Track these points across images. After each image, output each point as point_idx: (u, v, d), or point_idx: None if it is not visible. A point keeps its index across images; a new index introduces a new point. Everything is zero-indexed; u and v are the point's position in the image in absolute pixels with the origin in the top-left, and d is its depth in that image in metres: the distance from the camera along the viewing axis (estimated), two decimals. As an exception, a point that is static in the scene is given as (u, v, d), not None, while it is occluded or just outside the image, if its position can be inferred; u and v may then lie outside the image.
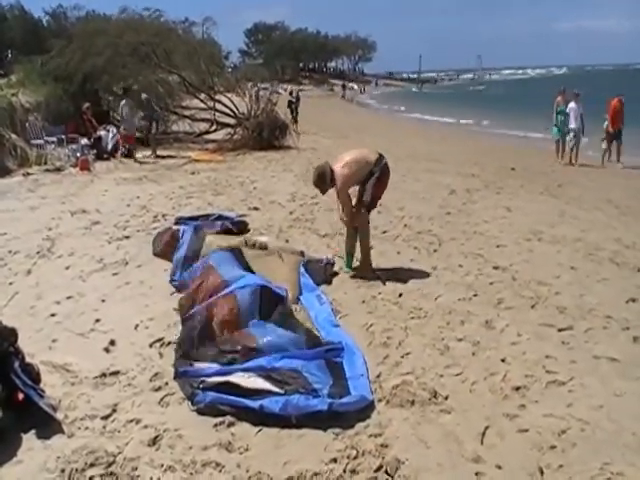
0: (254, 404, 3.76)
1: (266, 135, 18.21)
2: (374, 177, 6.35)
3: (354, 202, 6.58)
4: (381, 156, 6.47)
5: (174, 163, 15.63)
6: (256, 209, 9.79)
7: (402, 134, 27.24)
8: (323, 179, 6.29)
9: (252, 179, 12.79)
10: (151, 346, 4.85)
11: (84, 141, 16.61)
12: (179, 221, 8.11)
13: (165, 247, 7.18)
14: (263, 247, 6.52)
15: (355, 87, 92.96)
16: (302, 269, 6.14)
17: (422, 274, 6.62)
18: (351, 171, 6.30)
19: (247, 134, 18.35)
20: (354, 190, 6.54)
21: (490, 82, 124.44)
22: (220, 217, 8.26)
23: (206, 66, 20.42)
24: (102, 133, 16.95)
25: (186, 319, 4.96)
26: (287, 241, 7.68)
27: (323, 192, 6.53)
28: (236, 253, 5.99)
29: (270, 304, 4.96)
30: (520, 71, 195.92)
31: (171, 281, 6.28)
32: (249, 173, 13.67)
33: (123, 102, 16.55)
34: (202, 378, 4.03)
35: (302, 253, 6.72)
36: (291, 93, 28.37)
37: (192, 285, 5.52)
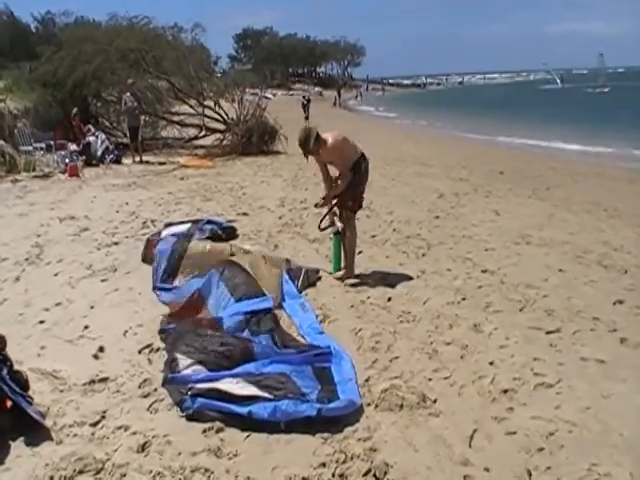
0: (243, 410, 3.76)
1: (255, 140, 18.27)
2: (359, 174, 6.41)
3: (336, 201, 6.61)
4: (363, 154, 6.51)
5: (163, 169, 15.63)
6: (245, 214, 9.81)
7: (393, 139, 27.32)
8: (308, 139, 6.22)
9: (241, 185, 12.82)
10: (140, 352, 4.83)
11: (73, 147, 16.64)
12: (169, 226, 8.12)
13: (152, 253, 7.10)
14: (248, 256, 6.48)
15: (362, 92, 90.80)
16: (286, 276, 6.13)
17: (411, 278, 6.63)
18: (345, 144, 6.42)
19: (236, 139, 18.40)
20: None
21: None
22: (209, 222, 8.20)
23: (195, 72, 20.39)
24: (91, 139, 16.89)
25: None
26: (276, 246, 7.70)
27: (305, 153, 6.39)
28: (222, 272, 5.78)
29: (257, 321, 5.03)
30: (495, 75, 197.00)
31: (154, 289, 6.22)
32: (238, 179, 13.70)
33: (126, 95, 16.64)
34: (190, 384, 4.01)
35: (287, 261, 6.70)
36: (304, 97, 38.74)
37: (177, 310, 5.50)
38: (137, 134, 16.94)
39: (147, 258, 7.16)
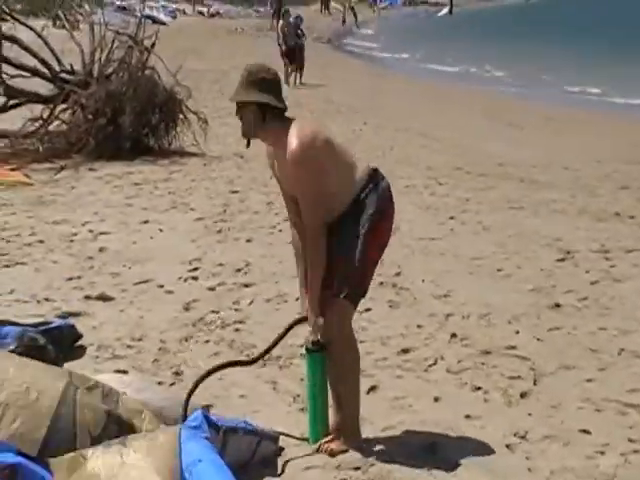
0: None
1: (128, 123, 18.42)
2: (366, 218, 6.49)
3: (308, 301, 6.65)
4: (376, 171, 6.61)
5: None
6: (105, 299, 9.93)
7: (457, 119, 27.71)
8: (257, 83, 6.28)
9: (95, 228, 13.01)
10: None
11: None
12: None
13: None
14: (112, 407, 6.47)
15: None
16: (203, 443, 6.15)
17: (493, 450, 6.68)
18: (329, 156, 6.40)
19: (82, 119, 18.61)
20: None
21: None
22: (10, 323, 8.20)
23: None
24: None
25: None
26: (177, 374, 7.76)
27: (245, 133, 6.48)
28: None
29: None
30: None
31: None
32: (87, 214, 13.90)
33: None
34: None
35: (206, 411, 6.72)
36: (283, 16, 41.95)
37: None
38: None
39: None
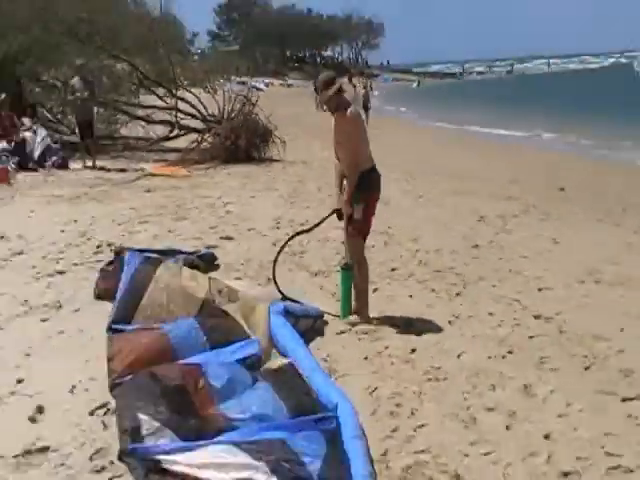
0: None
1: (243, 144, 18.40)
2: (366, 190, 6.57)
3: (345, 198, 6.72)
4: (374, 166, 6.73)
5: (124, 178, 15.76)
6: (229, 239, 9.93)
7: (420, 146, 27.54)
8: (327, 86, 6.53)
9: (225, 200, 12.97)
10: (92, 414, 4.78)
11: (2, 145, 16.44)
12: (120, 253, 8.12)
13: (108, 287, 7.01)
14: (233, 297, 6.49)
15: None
16: (282, 319, 6.14)
17: (441, 324, 6.70)
18: (362, 129, 6.77)
19: (218, 142, 18.55)
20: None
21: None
22: (180, 252, 8.26)
23: (166, 52, 20.57)
24: (27, 135, 16.79)
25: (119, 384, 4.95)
26: (269, 280, 7.74)
27: (322, 101, 6.83)
28: (199, 321, 5.82)
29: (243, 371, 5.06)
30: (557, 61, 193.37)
31: (108, 329, 6.06)
32: (221, 192, 13.86)
33: (75, 79, 16.64)
34: (157, 460, 3.87)
35: (284, 299, 6.88)
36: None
37: (130, 349, 5.44)
38: (90, 131, 16.92)
39: (102, 293, 7.13)
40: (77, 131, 17.18)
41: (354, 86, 72.22)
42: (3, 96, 17.85)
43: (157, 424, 4.17)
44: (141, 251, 8.09)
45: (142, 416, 4.28)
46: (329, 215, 7.07)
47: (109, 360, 5.31)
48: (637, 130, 28.98)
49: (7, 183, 14.26)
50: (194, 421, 4.31)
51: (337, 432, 4.27)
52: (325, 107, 6.80)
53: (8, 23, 18.83)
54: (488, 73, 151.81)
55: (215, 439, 4.09)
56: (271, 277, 7.41)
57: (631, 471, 4.16)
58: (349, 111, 6.53)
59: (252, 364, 5.24)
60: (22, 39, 18.53)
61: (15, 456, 4.23)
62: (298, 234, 7.87)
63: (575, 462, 4.26)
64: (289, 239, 7.66)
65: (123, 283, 6.51)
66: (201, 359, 5.22)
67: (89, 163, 16.85)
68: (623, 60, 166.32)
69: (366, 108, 34.77)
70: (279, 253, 7.37)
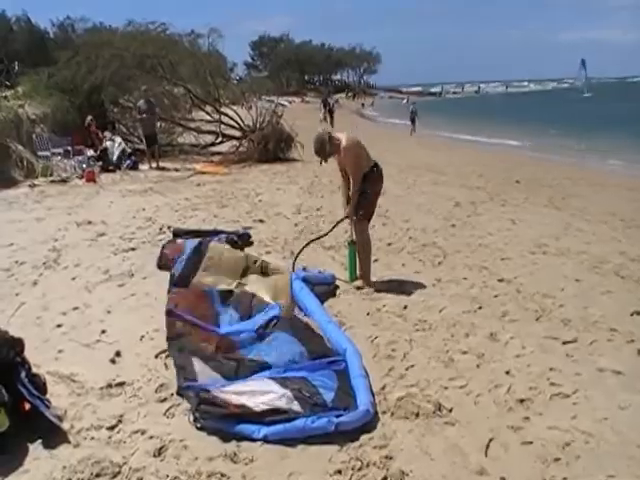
0: (258, 435, 3.71)
1: (271, 147, 18.30)
2: (371, 183, 6.50)
3: (349, 209, 6.65)
4: (376, 164, 6.61)
5: (179, 175, 15.71)
6: (261, 221, 9.85)
7: (407, 147, 27.39)
8: (323, 145, 6.39)
9: (257, 191, 12.87)
10: (156, 357, 4.86)
11: (90, 153, 16.74)
12: (177, 234, 8.28)
13: (169, 261, 7.08)
14: (264, 267, 6.59)
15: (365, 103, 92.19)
16: (301, 283, 6.12)
17: (427, 286, 6.64)
18: (359, 148, 6.52)
19: (252, 146, 18.44)
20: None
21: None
22: (223, 232, 8.27)
23: (212, 78, 20.57)
24: (108, 144, 16.98)
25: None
26: (292, 253, 7.68)
27: (323, 160, 6.56)
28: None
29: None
30: (515, 83, 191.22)
31: (169, 292, 6.11)
32: (254, 185, 13.76)
33: (141, 102, 16.67)
34: (202, 402, 3.91)
35: (304, 268, 6.85)
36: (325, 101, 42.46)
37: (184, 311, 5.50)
38: (154, 141, 17.05)
39: (163, 264, 7.18)
40: (144, 141, 17.24)
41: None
42: (89, 118, 18.04)
43: (205, 366, 4.23)
44: (193, 231, 8.20)
45: (194, 359, 4.34)
46: (340, 221, 7.01)
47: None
48: (582, 136, 28.99)
49: (94, 181, 14.36)
50: (233, 362, 4.35)
51: (346, 371, 4.29)
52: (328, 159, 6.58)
53: (94, 63, 19.04)
54: (461, 93, 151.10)
55: (250, 377, 4.13)
56: (293, 251, 7.40)
57: (568, 396, 4.26)
58: (342, 148, 6.35)
59: (275, 324, 5.20)
60: (104, 73, 18.75)
61: (100, 388, 4.36)
62: (315, 240, 7.65)
63: (528, 391, 4.32)
64: (307, 244, 7.39)
65: (183, 256, 6.60)
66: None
67: (154, 165, 16.87)
68: (565, 85, 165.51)
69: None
70: (298, 254, 7.11)
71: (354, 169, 6.45)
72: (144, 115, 16.65)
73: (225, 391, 3.96)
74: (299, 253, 7.08)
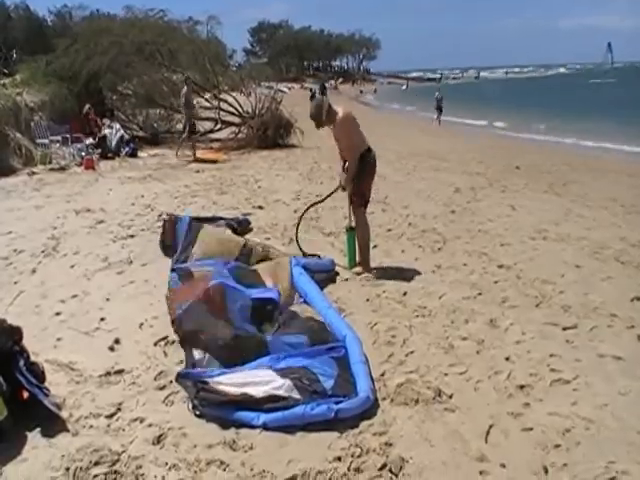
0: (257, 422, 3.70)
1: (271, 134, 18.26)
2: (365, 167, 6.43)
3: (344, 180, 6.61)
4: (369, 148, 6.53)
5: (178, 162, 15.67)
6: (260, 208, 9.82)
7: (407, 133, 27.30)
8: (320, 110, 6.29)
9: (256, 178, 12.83)
10: (156, 345, 4.85)
11: (89, 140, 16.71)
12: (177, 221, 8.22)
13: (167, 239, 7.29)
14: (264, 252, 6.57)
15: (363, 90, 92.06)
16: (300, 269, 6.09)
17: (426, 273, 6.61)
18: (354, 124, 6.47)
19: (252, 133, 18.43)
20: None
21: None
22: (222, 218, 8.22)
23: (211, 65, 20.50)
24: (107, 131, 16.97)
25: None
26: (291, 240, 7.66)
27: (318, 126, 6.46)
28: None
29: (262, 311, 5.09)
30: (517, 69, 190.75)
31: (172, 270, 6.13)
32: (253, 172, 13.72)
33: (184, 89, 16.35)
34: (201, 389, 3.88)
35: (304, 255, 6.85)
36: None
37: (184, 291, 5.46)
38: (194, 130, 16.82)
39: (165, 242, 7.27)
40: (186, 130, 16.53)
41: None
42: (87, 107, 17.96)
43: (204, 355, 4.22)
44: (194, 218, 8.15)
45: (193, 349, 4.34)
46: (336, 189, 6.96)
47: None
48: (578, 121, 28.78)
49: (93, 169, 14.35)
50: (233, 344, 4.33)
51: (345, 357, 4.26)
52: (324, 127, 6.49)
53: (92, 50, 19.06)
54: (461, 79, 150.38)
55: (249, 365, 4.11)
56: (292, 238, 7.38)
57: (568, 382, 4.24)
58: (337, 118, 6.30)
59: (271, 307, 5.18)
60: (102, 60, 18.74)
61: (99, 376, 4.35)
62: (313, 205, 7.78)
63: (528, 377, 4.30)
64: (306, 209, 7.57)
65: (180, 237, 6.78)
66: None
67: (152, 152, 16.76)
68: (562, 70, 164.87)
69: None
70: (299, 220, 7.27)
71: (348, 143, 6.42)
72: (189, 104, 16.39)
73: (224, 383, 3.93)
74: (298, 224, 7.24)
